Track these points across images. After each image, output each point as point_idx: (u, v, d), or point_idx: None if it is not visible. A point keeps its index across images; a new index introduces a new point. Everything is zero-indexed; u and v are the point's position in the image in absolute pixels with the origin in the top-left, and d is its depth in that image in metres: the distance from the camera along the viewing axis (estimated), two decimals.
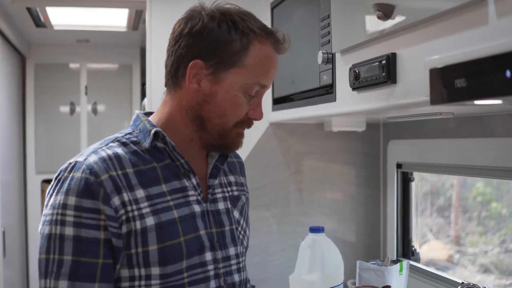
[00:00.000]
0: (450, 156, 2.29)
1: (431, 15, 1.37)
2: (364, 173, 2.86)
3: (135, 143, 1.54)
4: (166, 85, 1.60)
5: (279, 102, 2.55)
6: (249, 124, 1.59)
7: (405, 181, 2.68)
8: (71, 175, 1.44)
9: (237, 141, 1.59)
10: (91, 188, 1.41)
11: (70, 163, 1.47)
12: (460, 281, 1.95)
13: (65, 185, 1.43)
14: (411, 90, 1.49)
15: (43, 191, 4.93)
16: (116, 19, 4.04)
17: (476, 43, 1.23)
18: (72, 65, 5.18)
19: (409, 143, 2.58)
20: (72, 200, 1.40)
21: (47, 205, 1.46)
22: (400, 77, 1.54)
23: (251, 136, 2.71)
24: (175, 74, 1.55)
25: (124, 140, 1.54)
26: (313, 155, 2.81)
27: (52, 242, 1.41)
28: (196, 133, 1.56)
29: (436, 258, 2.64)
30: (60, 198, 1.42)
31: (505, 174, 2.05)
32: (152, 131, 1.52)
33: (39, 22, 4.06)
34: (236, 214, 1.67)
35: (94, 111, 5.19)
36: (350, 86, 1.78)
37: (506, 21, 1.15)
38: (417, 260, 2.64)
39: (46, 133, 5.08)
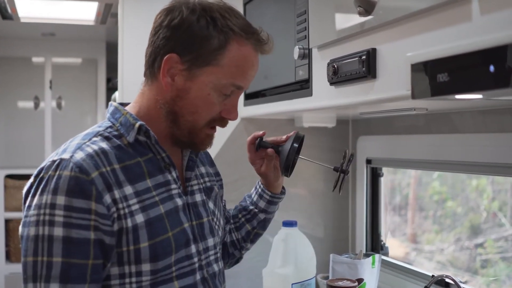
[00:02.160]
0: (419, 152, 2.33)
1: (414, 11, 1.40)
2: None
3: (117, 137, 1.50)
4: (144, 75, 1.58)
5: (251, 97, 2.56)
6: (223, 123, 1.58)
7: (374, 176, 2.72)
8: (57, 173, 1.38)
9: (206, 141, 1.58)
10: (82, 187, 1.37)
11: (54, 161, 1.41)
12: (430, 274, 1.98)
13: (51, 184, 1.37)
14: (391, 85, 1.52)
15: (6, 187, 4.88)
16: (84, 12, 4.01)
17: (460, 39, 1.26)
18: (36, 59, 5.12)
19: (379, 139, 2.62)
20: (61, 200, 1.35)
21: (30, 205, 1.40)
22: (380, 72, 1.57)
23: (223, 132, 2.68)
24: (152, 65, 1.53)
25: (106, 134, 1.50)
26: None
27: (40, 243, 1.36)
28: (170, 129, 1.54)
29: (393, 256, 2.68)
30: (47, 197, 1.36)
31: (474, 169, 2.11)
32: (136, 125, 1.49)
33: (6, 14, 4.00)
34: (211, 205, 1.68)
35: (59, 105, 5.14)
36: (328, 81, 1.80)
37: (489, 18, 1.18)
38: (386, 254, 2.69)
39: (8, 128, 5.02)
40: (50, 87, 5.08)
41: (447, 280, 2.17)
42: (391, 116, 2.53)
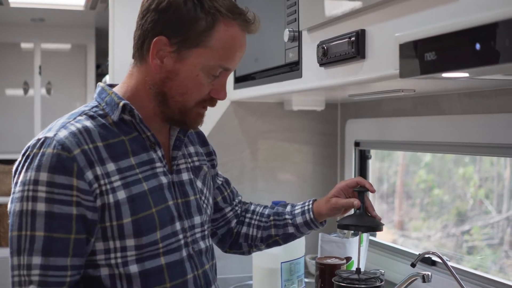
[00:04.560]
0: (407, 134, 2.37)
1: None
2: (322, 152, 2.93)
3: (102, 116, 1.53)
4: (133, 57, 1.60)
5: (241, 80, 2.59)
6: (212, 103, 1.60)
7: (363, 159, 2.76)
8: (41, 151, 1.42)
9: (197, 120, 1.60)
10: (64, 163, 1.41)
11: (39, 139, 1.46)
12: (417, 253, 2.02)
13: (35, 161, 1.42)
14: (380, 65, 1.55)
15: None
16: None
17: (446, 19, 1.28)
18: (25, 45, 5.12)
19: (367, 122, 2.66)
20: (44, 176, 1.40)
21: (16, 182, 1.44)
22: (369, 53, 1.60)
23: (212, 115, 2.74)
24: (140, 47, 1.55)
25: (91, 113, 1.53)
26: (273, 134, 2.87)
27: (24, 218, 1.40)
28: (159, 108, 1.57)
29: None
30: (31, 174, 1.41)
31: (462, 150, 2.15)
32: (121, 104, 1.52)
33: None
34: (199, 184, 1.70)
35: (48, 91, 5.14)
36: (318, 62, 1.83)
37: None
38: (374, 234, 2.73)
39: None
40: (40, 73, 5.08)
41: (433, 258, 2.22)
42: (379, 100, 2.56)
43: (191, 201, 1.64)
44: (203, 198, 1.71)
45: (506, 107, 1.90)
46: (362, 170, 2.76)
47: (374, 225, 1.74)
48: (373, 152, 2.79)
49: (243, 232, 1.94)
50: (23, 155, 1.46)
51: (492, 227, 2.69)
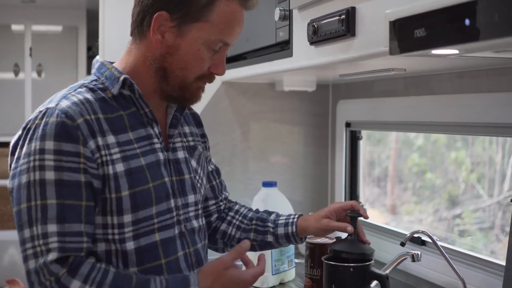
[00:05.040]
0: (398, 114, 2.37)
1: None
2: (313, 133, 2.93)
3: (102, 90, 1.54)
4: (131, 34, 1.61)
5: (232, 60, 2.58)
6: (210, 79, 1.61)
7: (354, 139, 2.76)
8: (43, 121, 1.42)
9: (196, 95, 1.61)
10: (69, 131, 1.41)
11: (40, 111, 1.46)
12: (407, 233, 2.02)
13: (39, 131, 1.41)
14: (370, 42, 1.55)
15: None
16: None
17: None
18: (15, 27, 5.09)
19: (358, 102, 2.66)
20: (50, 145, 1.40)
21: (19, 156, 1.43)
22: (359, 30, 1.60)
23: (203, 95, 2.72)
24: (140, 24, 1.56)
25: (91, 86, 1.54)
26: (264, 114, 2.87)
27: (32, 189, 1.40)
28: (159, 84, 1.57)
29: None
30: (35, 144, 1.40)
31: (453, 129, 2.15)
32: (121, 78, 1.53)
33: None
34: (193, 163, 1.71)
35: (39, 73, 5.12)
36: (308, 41, 1.82)
37: None
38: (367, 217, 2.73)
39: None
40: (30, 55, 5.06)
41: (423, 238, 2.23)
42: (371, 80, 2.56)
43: (186, 180, 1.65)
44: (197, 177, 1.71)
45: (497, 87, 1.90)
46: (353, 151, 2.76)
47: (367, 253, 1.73)
48: (365, 136, 2.79)
49: (222, 229, 1.91)
50: (24, 128, 1.46)
51: (483, 211, 2.70)
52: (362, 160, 2.78)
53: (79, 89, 1.52)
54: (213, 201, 1.91)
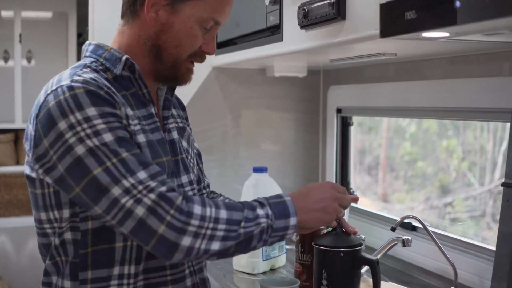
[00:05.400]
0: (388, 99, 2.36)
1: None
2: (304, 119, 2.93)
3: (103, 70, 1.53)
4: (123, 16, 1.60)
5: (223, 46, 2.57)
6: (202, 58, 1.62)
7: (344, 125, 2.76)
8: (69, 95, 1.37)
9: (187, 76, 1.62)
10: (102, 96, 1.39)
11: (54, 90, 1.40)
12: (397, 218, 2.02)
13: (70, 104, 1.37)
14: (361, 25, 1.54)
15: None
16: None
17: None
18: (5, 13, 5.05)
19: (349, 88, 2.65)
20: (92, 111, 1.36)
21: (57, 136, 1.36)
22: (349, 13, 1.59)
23: (193, 81, 2.69)
24: (133, 3, 1.56)
25: (93, 67, 1.52)
26: (254, 100, 2.86)
27: (98, 153, 1.35)
28: (152, 64, 1.58)
29: None
30: (76, 116, 1.36)
31: (444, 114, 2.15)
32: (123, 58, 1.53)
33: None
34: (184, 143, 1.71)
35: (29, 60, 5.09)
36: (299, 25, 1.81)
37: None
38: (356, 201, 2.73)
39: None
40: (20, 41, 5.02)
41: (414, 224, 2.23)
42: (362, 66, 2.55)
43: (180, 160, 1.65)
44: (189, 157, 1.72)
45: (487, 72, 1.90)
46: (344, 137, 2.76)
47: (355, 244, 1.71)
48: (356, 124, 2.79)
49: None
50: (38, 113, 1.40)
51: (474, 199, 2.70)
52: (353, 146, 2.77)
53: (84, 69, 1.49)
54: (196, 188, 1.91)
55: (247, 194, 2.28)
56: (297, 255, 1.99)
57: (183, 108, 1.87)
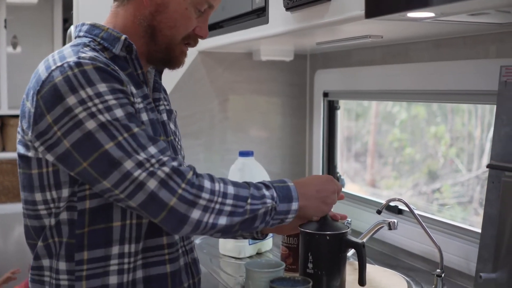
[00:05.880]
0: (375, 83, 2.36)
1: None
2: (291, 103, 2.92)
3: (101, 50, 1.51)
4: None
5: (209, 29, 2.54)
6: (195, 41, 1.62)
7: (331, 109, 2.75)
8: (77, 70, 1.37)
9: (180, 58, 1.62)
10: (111, 73, 1.39)
11: (60, 66, 1.38)
12: (383, 202, 2.02)
13: (79, 80, 1.36)
14: (346, 6, 1.54)
15: None
16: None
17: None
18: None
19: (336, 72, 2.64)
20: (103, 87, 1.37)
21: (65, 111, 1.35)
22: None
23: None
24: None
25: (92, 46, 1.50)
26: (241, 85, 2.85)
27: (110, 127, 1.35)
28: (146, 45, 1.57)
29: None
30: (86, 91, 1.35)
31: (430, 97, 2.15)
32: (122, 38, 1.51)
33: None
34: (172, 126, 1.70)
35: (14, 45, 5.05)
36: (285, 7, 1.80)
37: None
38: (342, 186, 2.73)
39: None
40: (5, 27, 4.97)
41: (400, 207, 2.23)
42: (349, 50, 2.54)
43: (170, 141, 1.64)
44: (177, 139, 1.72)
45: (474, 55, 1.90)
46: (331, 121, 2.75)
47: (340, 228, 1.70)
48: (344, 110, 2.78)
49: None
50: (40, 91, 1.38)
51: (462, 185, 2.71)
52: (339, 131, 2.77)
53: (85, 48, 1.47)
54: None
55: (233, 178, 2.24)
56: (283, 238, 1.99)
57: (165, 92, 1.86)
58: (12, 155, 4.68)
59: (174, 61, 1.61)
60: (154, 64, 1.64)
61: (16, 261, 4.44)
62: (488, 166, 1.68)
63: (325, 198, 1.58)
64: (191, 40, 1.61)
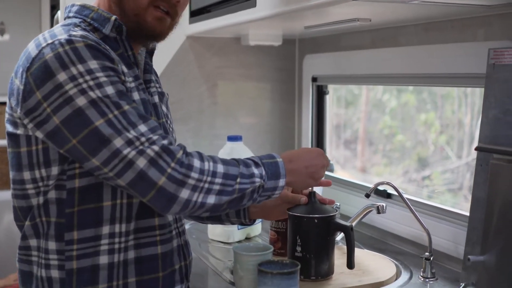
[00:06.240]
0: (364, 67, 2.35)
1: None
2: (280, 88, 2.91)
3: (92, 31, 1.49)
4: None
5: (196, 14, 2.53)
6: (165, 1, 1.52)
7: (320, 94, 2.74)
8: (69, 47, 1.35)
9: (156, 25, 1.53)
10: (102, 51, 1.38)
11: (51, 43, 1.37)
12: (371, 186, 2.02)
13: (70, 56, 1.34)
14: None
15: None
16: None
17: None
18: None
19: (325, 56, 2.64)
20: (94, 64, 1.35)
21: (56, 87, 1.33)
22: None
23: (168, 50, 2.70)
24: None
25: (83, 26, 1.48)
26: (229, 70, 2.83)
27: (101, 104, 1.34)
28: (122, 20, 1.51)
29: None
30: (77, 67, 1.34)
31: (418, 81, 2.15)
32: (112, 18, 1.49)
33: None
34: (164, 108, 1.68)
35: (1, 32, 5.02)
36: None
37: None
38: (331, 170, 2.73)
39: None
40: None
41: (389, 191, 2.23)
42: (338, 34, 2.53)
43: (161, 124, 1.62)
44: (169, 122, 1.70)
45: (462, 38, 1.90)
46: (320, 106, 2.75)
47: (329, 211, 1.70)
48: (335, 99, 2.78)
49: None
50: (31, 67, 1.37)
51: (452, 172, 2.71)
52: (328, 116, 2.76)
53: (76, 28, 1.45)
54: None
55: None
56: (271, 223, 1.98)
57: (156, 74, 1.84)
58: (2, 142, 4.66)
59: (149, 29, 1.53)
60: (137, 40, 1.58)
61: (7, 248, 4.44)
62: (476, 149, 1.67)
63: (313, 174, 1.58)
64: (159, 1, 1.51)
